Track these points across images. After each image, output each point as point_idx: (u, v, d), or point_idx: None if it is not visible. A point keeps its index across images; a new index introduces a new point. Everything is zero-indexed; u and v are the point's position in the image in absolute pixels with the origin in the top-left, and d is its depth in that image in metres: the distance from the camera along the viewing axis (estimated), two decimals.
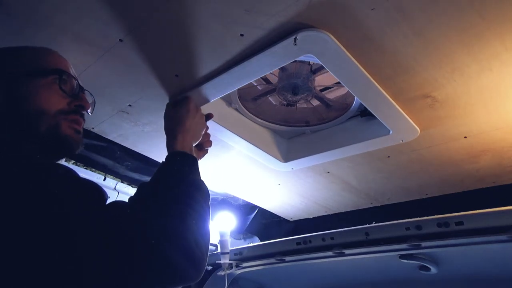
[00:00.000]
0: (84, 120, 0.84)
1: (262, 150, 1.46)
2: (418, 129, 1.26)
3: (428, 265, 1.41)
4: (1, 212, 0.56)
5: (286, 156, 1.53)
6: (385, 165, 1.53)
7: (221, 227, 1.93)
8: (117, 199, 1.86)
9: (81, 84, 0.86)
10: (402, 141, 1.31)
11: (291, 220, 2.20)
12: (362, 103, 1.15)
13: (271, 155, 1.49)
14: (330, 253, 1.46)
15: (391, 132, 1.26)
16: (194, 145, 1.05)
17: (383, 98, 1.12)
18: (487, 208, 1.14)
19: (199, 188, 0.86)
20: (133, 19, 0.94)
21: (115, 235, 0.60)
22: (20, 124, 0.74)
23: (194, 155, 0.99)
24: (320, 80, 1.35)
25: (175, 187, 0.81)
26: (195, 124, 1.06)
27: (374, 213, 1.90)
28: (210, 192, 0.90)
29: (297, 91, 1.29)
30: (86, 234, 0.58)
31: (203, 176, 0.94)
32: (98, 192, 0.66)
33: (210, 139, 1.19)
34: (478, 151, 1.37)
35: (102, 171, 1.74)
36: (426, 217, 1.24)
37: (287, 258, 1.61)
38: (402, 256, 1.38)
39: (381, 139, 1.31)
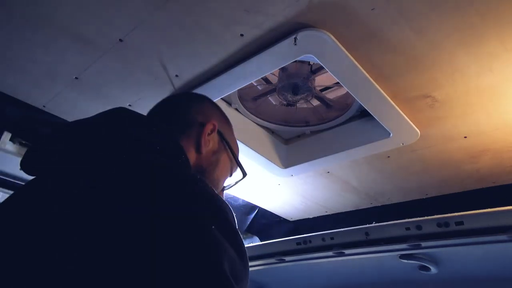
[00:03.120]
0: None
1: (262, 156, 1.45)
2: (419, 132, 1.25)
3: (428, 265, 1.40)
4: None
5: (286, 162, 1.53)
6: (385, 165, 1.53)
7: None
8: None
9: None
10: (403, 144, 1.30)
11: (291, 220, 2.20)
12: (362, 104, 1.15)
13: (270, 161, 1.48)
14: (330, 253, 1.46)
15: (391, 134, 1.26)
16: None
17: (383, 99, 1.11)
18: (487, 208, 1.14)
19: None
20: (133, 19, 0.94)
21: None
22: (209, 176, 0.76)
23: None
24: (320, 80, 1.35)
25: None
26: None
27: (374, 213, 1.90)
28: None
29: (297, 91, 1.29)
30: None
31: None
32: None
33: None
34: (478, 151, 1.37)
35: None
36: (426, 217, 1.24)
37: (287, 258, 1.60)
38: (402, 256, 1.38)
39: (381, 142, 1.31)
